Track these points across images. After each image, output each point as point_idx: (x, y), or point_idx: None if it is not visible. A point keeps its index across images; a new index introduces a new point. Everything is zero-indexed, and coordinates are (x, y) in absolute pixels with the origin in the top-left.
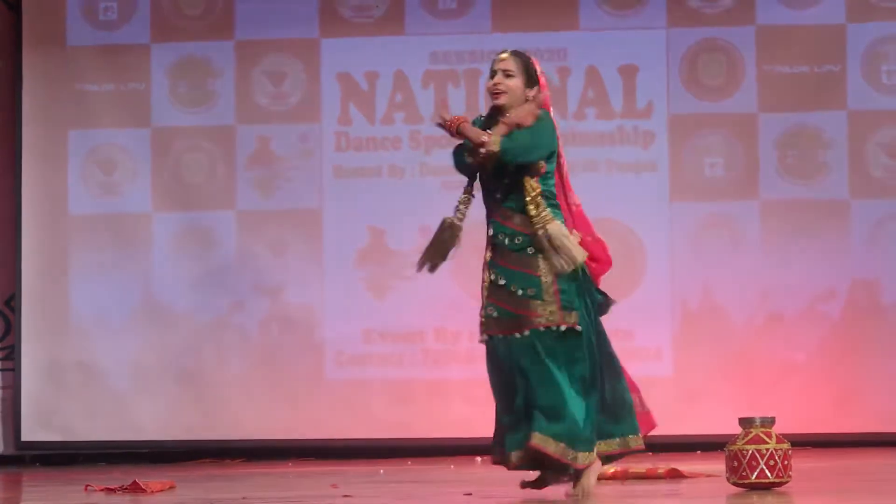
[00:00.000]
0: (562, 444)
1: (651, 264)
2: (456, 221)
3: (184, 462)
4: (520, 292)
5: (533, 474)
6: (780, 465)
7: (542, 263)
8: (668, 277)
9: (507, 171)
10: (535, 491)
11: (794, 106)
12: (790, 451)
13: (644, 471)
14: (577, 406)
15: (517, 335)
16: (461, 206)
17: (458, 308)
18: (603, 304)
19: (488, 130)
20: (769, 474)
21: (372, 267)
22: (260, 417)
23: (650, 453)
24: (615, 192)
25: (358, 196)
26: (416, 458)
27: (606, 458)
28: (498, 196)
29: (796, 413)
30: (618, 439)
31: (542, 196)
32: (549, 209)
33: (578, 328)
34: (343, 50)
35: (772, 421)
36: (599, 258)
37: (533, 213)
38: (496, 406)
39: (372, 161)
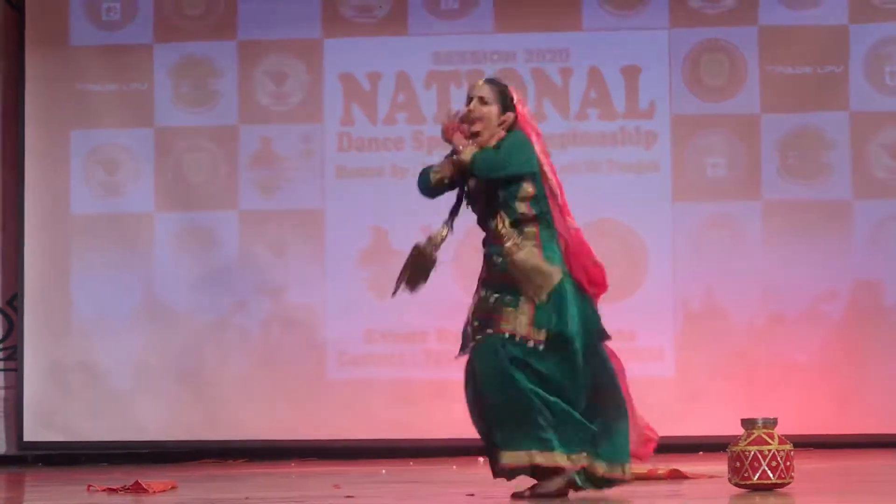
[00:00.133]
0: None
1: (653, 265)
2: (428, 248)
3: (186, 462)
4: (497, 298)
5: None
6: (782, 466)
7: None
8: (669, 278)
9: (493, 193)
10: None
11: (797, 107)
12: (792, 452)
13: (645, 471)
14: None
15: (479, 337)
16: (436, 239)
17: (459, 309)
18: (600, 330)
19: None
20: (771, 475)
21: (374, 267)
22: (261, 418)
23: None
24: (617, 193)
25: (360, 196)
26: (418, 458)
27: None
28: (487, 218)
29: (798, 414)
30: (585, 454)
31: (528, 221)
32: (519, 237)
33: (540, 348)
34: (345, 50)
35: (774, 422)
36: (598, 283)
37: (502, 243)
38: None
39: (374, 161)
